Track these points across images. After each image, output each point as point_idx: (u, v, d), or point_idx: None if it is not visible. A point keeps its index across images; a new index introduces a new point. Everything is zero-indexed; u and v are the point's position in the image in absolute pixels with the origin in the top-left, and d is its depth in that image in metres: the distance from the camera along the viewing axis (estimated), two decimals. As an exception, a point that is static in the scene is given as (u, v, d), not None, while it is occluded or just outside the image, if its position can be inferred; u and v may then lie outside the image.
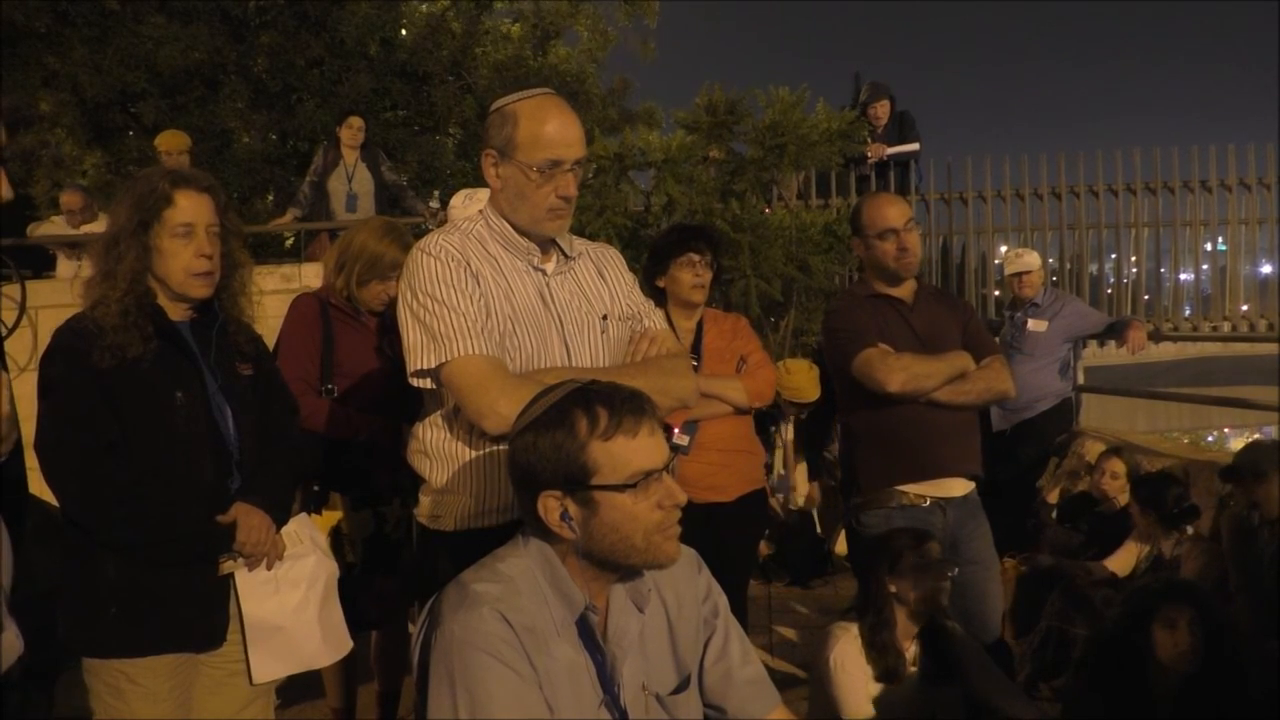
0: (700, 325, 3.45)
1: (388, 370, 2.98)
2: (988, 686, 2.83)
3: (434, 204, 6.97)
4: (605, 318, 2.06)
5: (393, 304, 2.00)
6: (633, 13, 12.83)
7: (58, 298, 6.22)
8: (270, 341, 2.50)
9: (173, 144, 7.05)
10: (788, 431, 5.48)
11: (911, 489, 3.02)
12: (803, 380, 4.64)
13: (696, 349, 3.39)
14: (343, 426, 3.02)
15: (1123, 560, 4.00)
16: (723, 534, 3.22)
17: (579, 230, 2.18)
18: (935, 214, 9.28)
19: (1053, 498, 5.03)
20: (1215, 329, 9.38)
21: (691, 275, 3.36)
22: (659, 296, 3.44)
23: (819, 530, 6.09)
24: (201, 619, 2.19)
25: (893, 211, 3.10)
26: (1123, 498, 4.39)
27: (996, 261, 9.08)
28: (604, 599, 1.61)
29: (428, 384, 1.94)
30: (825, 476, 6.15)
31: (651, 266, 3.46)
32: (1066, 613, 4.09)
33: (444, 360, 1.87)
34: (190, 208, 2.18)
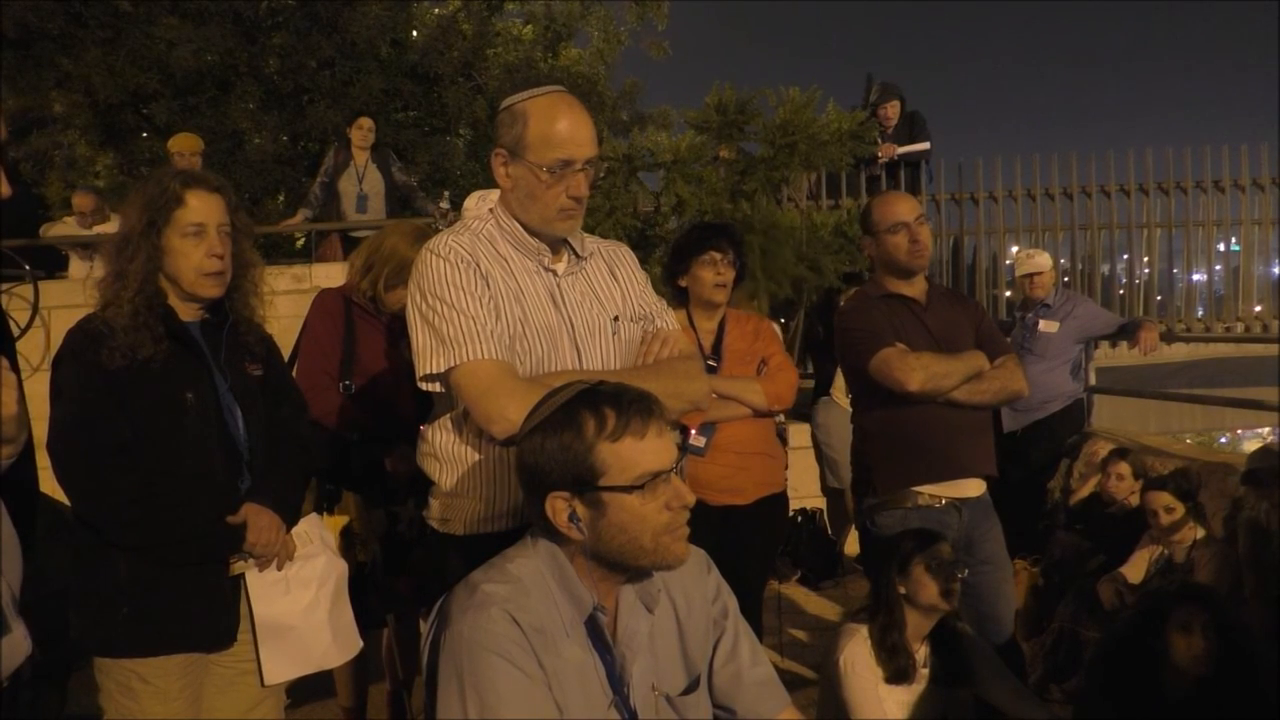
0: (722, 326, 3.43)
1: (405, 372, 3.00)
2: (998, 688, 2.82)
3: (444, 204, 6.99)
4: (617, 319, 2.03)
5: None
6: (643, 14, 12.82)
7: (70, 298, 6.26)
8: (281, 341, 2.51)
9: (185, 146, 7.07)
10: None
11: (928, 489, 3.01)
12: None
13: (717, 350, 3.37)
14: (358, 425, 3.04)
15: (1134, 565, 3.98)
16: (739, 537, 3.21)
17: (587, 231, 2.16)
18: (946, 214, 9.28)
19: (1082, 494, 4.95)
20: (1228, 330, 9.35)
21: (713, 274, 3.33)
22: (681, 296, 3.42)
23: (828, 531, 6.09)
24: (212, 619, 2.20)
25: (902, 206, 3.11)
26: (1131, 499, 4.37)
27: (1007, 262, 9.06)
28: (613, 599, 1.61)
29: (436, 387, 1.92)
30: (829, 477, 6.15)
31: (673, 265, 3.44)
32: (1078, 615, 4.08)
33: (453, 364, 1.84)
34: (201, 208, 2.19)
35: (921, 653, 2.81)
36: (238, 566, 2.21)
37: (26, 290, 6.38)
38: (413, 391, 2.02)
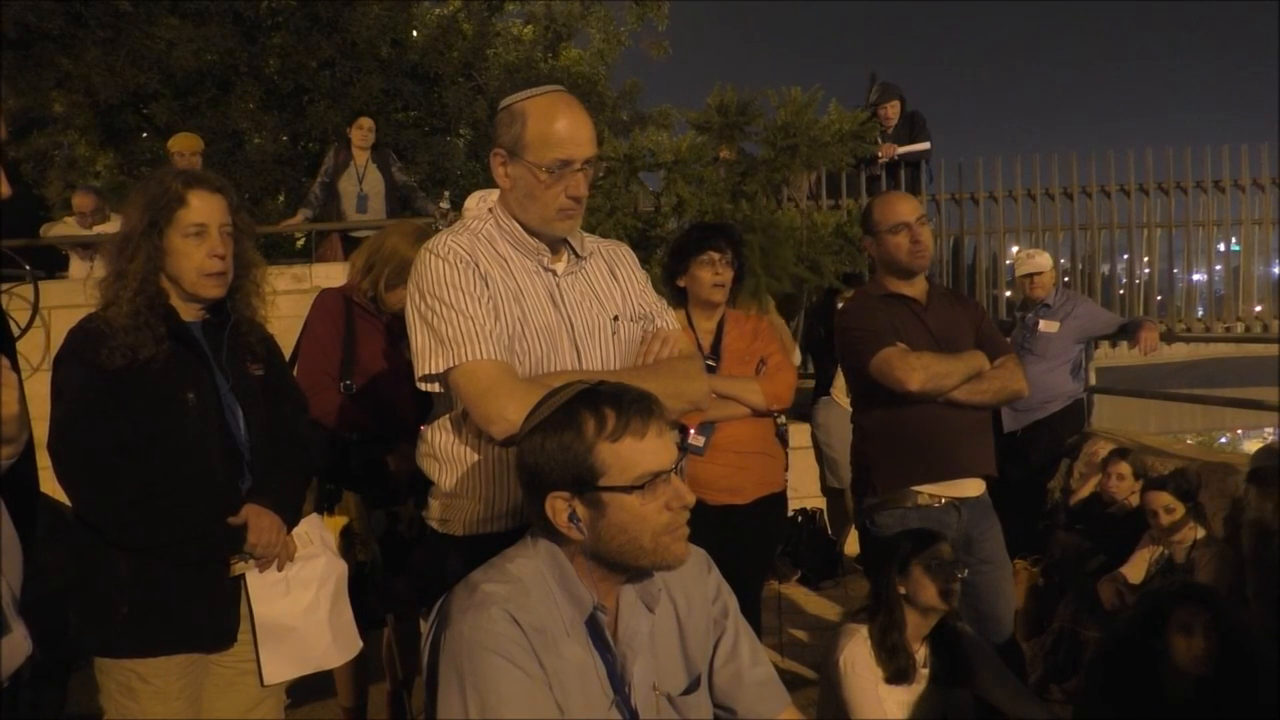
0: (721, 325, 3.44)
1: (405, 372, 3.00)
2: (998, 688, 2.82)
3: (444, 204, 6.99)
4: (616, 318, 2.03)
5: None
6: (643, 14, 12.83)
7: (70, 298, 6.25)
8: (282, 341, 2.51)
9: (185, 146, 7.07)
10: None
11: (927, 489, 3.01)
12: None
13: (716, 350, 3.38)
14: (358, 424, 3.04)
15: (1134, 565, 3.98)
16: (738, 536, 3.22)
17: (587, 231, 2.16)
18: (946, 214, 9.28)
19: (1082, 494, 4.94)
20: (1228, 330, 9.35)
21: (711, 274, 3.34)
22: (680, 296, 3.42)
23: (828, 531, 6.09)
24: (213, 620, 2.20)
25: (904, 206, 3.11)
26: (1132, 499, 4.37)
27: (1007, 262, 9.06)
28: (613, 599, 1.61)
29: (435, 388, 1.92)
30: (829, 477, 6.15)
31: (672, 265, 3.45)
32: (1078, 615, 4.08)
33: (452, 365, 1.84)
34: (203, 208, 2.19)
35: (921, 653, 2.81)
36: (238, 567, 2.21)
37: (26, 290, 6.38)
38: (413, 391, 2.02)
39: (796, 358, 6.45)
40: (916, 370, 2.92)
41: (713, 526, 3.04)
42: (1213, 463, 4.32)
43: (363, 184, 7.27)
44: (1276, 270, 9.84)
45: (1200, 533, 3.89)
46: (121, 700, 2.15)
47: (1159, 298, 9.68)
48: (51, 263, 7.34)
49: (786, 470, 3.59)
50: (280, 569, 2.27)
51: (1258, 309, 9.61)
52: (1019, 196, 9.21)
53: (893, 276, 3.14)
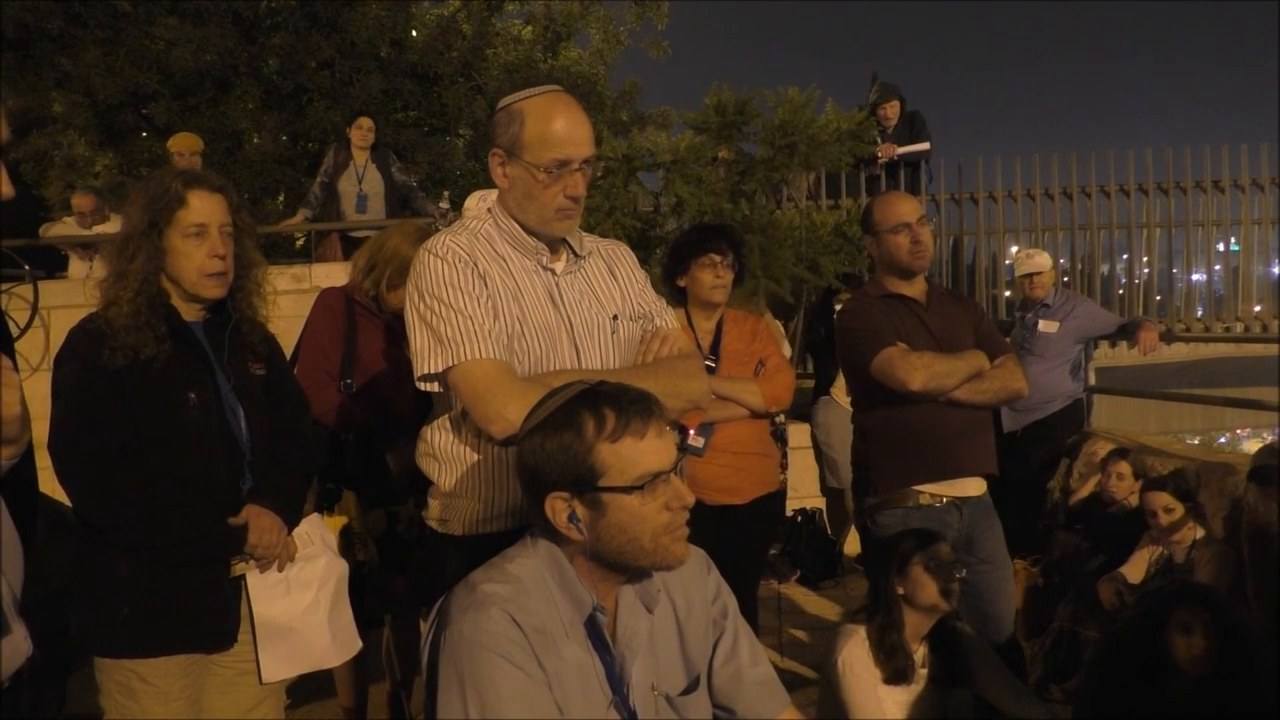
0: (720, 326, 3.44)
1: (406, 371, 3.00)
2: (998, 688, 2.82)
3: (444, 204, 6.98)
4: (616, 318, 2.03)
5: None
6: (642, 14, 12.81)
7: (70, 298, 6.26)
8: (282, 341, 2.51)
9: (185, 145, 7.07)
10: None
11: (928, 489, 3.02)
12: None
13: (715, 350, 3.39)
14: (359, 424, 3.04)
15: (1134, 565, 3.98)
16: (735, 536, 3.22)
17: (586, 231, 2.16)
18: (945, 214, 9.29)
19: (1082, 494, 4.94)
20: (1228, 330, 9.36)
21: (712, 276, 3.35)
22: (679, 296, 3.43)
23: (828, 531, 6.09)
24: (213, 620, 2.19)
25: (905, 207, 3.11)
26: (1131, 499, 4.37)
27: (1007, 262, 9.07)
28: (612, 599, 1.60)
29: (435, 388, 1.92)
30: (829, 477, 6.15)
31: (672, 266, 3.46)
32: (1078, 615, 4.08)
33: (451, 364, 1.84)
34: (203, 208, 2.19)
35: (920, 653, 2.81)
36: (239, 567, 2.21)
37: (26, 290, 6.38)
38: (413, 391, 2.02)
39: (786, 350, 6.45)
40: (918, 370, 2.92)
41: (710, 526, 3.04)
42: (1212, 463, 4.32)
43: (362, 184, 7.27)
44: (1276, 270, 9.85)
45: (1200, 533, 3.89)
46: (121, 700, 2.15)
47: (1159, 298, 9.69)
48: (51, 263, 7.34)
49: (785, 470, 3.59)
50: (281, 569, 2.27)
51: (1257, 309, 9.63)
52: (1019, 196, 9.22)
53: (893, 276, 3.15)
